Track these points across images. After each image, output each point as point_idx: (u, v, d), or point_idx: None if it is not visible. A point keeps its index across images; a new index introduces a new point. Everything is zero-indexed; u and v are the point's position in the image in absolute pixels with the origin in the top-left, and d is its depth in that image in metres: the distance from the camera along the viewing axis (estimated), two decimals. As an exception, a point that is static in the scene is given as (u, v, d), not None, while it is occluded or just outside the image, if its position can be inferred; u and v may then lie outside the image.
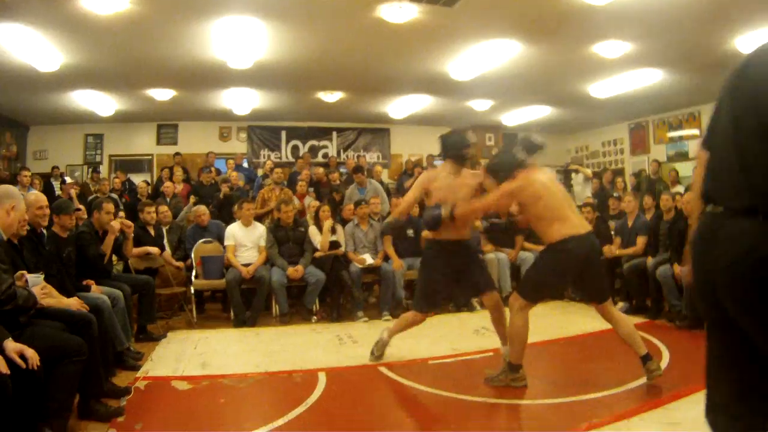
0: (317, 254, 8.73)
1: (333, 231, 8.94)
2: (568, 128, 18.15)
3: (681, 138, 15.50)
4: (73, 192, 10.81)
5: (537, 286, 5.21)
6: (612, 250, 8.97)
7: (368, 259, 8.86)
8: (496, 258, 9.51)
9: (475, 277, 5.67)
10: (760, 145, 2.16)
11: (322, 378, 5.47)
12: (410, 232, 9.25)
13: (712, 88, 10.59)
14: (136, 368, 5.79)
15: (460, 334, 7.45)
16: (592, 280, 5.07)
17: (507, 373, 5.17)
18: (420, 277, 5.96)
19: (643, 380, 5.10)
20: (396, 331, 6.01)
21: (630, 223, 9.09)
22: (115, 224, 6.84)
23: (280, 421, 4.30)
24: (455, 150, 5.65)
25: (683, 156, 15.31)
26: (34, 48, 8.85)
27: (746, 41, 9.05)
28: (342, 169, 14.15)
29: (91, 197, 10.60)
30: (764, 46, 2.30)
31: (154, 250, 8.02)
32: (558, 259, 4.98)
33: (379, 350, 6.07)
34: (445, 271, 5.66)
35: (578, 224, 4.97)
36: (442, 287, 5.91)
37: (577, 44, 9.60)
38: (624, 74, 11.39)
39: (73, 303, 4.72)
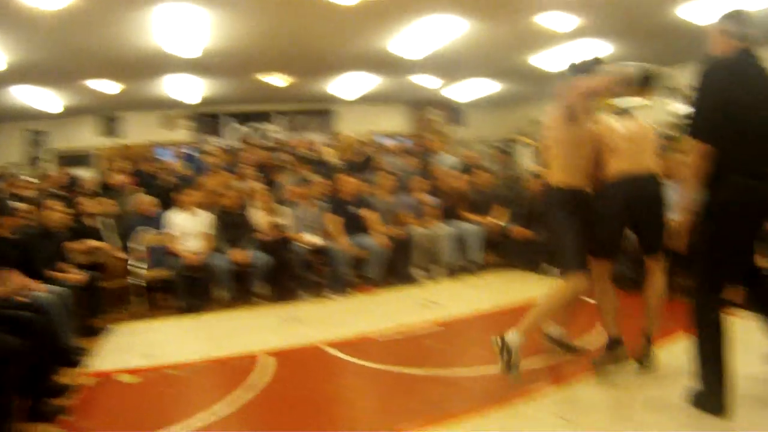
0: (262, 237, 8.76)
1: (278, 213, 8.96)
2: (518, 101, 18.17)
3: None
4: (16, 190, 10.69)
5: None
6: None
7: (313, 239, 8.88)
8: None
9: None
10: None
11: (269, 360, 5.55)
12: (356, 210, 9.34)
13: (657, 56, 10.86)
14: (83, 364, 5.77)
15: (404, 309, 7.52)
16: None
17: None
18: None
19: (583, 344, 5.33)
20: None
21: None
22: (81, 278, 6.83)
23: (226, 407, 4.37)
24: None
25: (630, 123, 15.45)
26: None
27: (687, 10, 9.26)
28: (290, 151, 14.13)
29: (35, 195, 10.48)
30: None
31: (97, 243, 7.95)
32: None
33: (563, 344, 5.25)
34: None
35: None
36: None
37: (522, 17, 9.59)
38: (570, 45, 11.40)
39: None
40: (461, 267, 9.78)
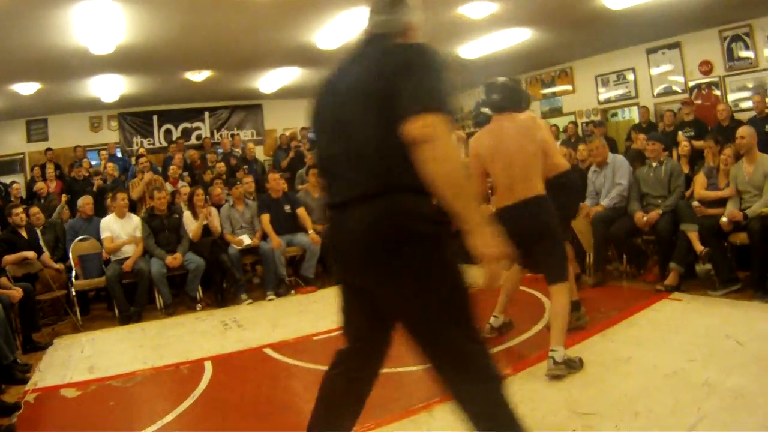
0: (193, 239, 8.79)
1: (209, 214, 9.01)
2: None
3: (554, 94, 16.09)
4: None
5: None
6: (489, 208, 9.30)
7: (246, 240, 8.97)
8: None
9: None
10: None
11: (209, 367, 5.65)
12: (287, 208, 9.40)
13: (582, 44, 11.09)
14: (25, 381, 5.77)
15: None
16: None
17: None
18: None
19: (526, 335, 5.62)
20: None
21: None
22: (17, 294, 6.75)
23: (169, 417, 4.45)
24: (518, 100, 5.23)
25: (557, 111, 16.03)
26: None
27: None
28: (219, 150, 14.10)
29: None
30: None
31: (30, 254, 7.83)
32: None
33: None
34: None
35: None
36: None
37: (443, 6, 9.67)
38: (492, 34, 11.61)
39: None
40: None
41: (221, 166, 11.74)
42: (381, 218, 2.41)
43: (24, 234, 8.12)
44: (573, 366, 4.58)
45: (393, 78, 2.42)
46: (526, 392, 4.25)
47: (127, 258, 8.36)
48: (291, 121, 16.49)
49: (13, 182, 11.95)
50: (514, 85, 5.19)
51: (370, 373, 2.95)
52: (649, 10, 10.01)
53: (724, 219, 6.52)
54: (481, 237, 2.30)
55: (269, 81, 14.56)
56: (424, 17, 2.99)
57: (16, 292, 6.72)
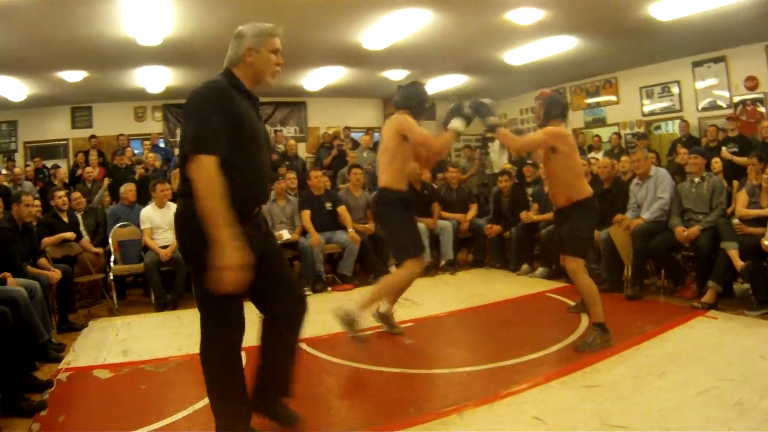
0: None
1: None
2: (485, 96, 18.08)
3: (598, 104, 15.92)
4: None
5: (586, 242, 5.72)
6: (529, 215, 9.29)
7: (285, 235, 8.94)
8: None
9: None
10: None
11: (243, 357, 5.60)
12: (328, 205, 9.40)
13: (627, 54, 11.03)
14: (59, 360, 5.81)
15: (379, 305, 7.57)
16: None
17: (600, 335, 5.33)
18: (398, 227, 5.89)
19: (561, 344, 5.47)
20: (394, 295, 6.16)
21: (546, 189, 9.19)
22: (55, 275, 6.82)
23: (200, 403, 4.39)
24: (416, 102, 5.89)
25: (601, 122, 15.84)
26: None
27: (660, 8, 9.36)
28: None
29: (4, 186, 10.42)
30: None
31: (70, 235, 7.95)
32: (593, 215, 5.57)
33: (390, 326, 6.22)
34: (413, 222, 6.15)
35: None
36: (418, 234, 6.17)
37: (490, 11, 9.66)
38: (539, 41, 11.54)
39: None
40: (435, 265, 9.87)
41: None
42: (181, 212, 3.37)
43: (65, 218, 8.21)
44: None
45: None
46: (559, 402, 4.18)
47: (166, 246, 8.37)
48: (334, 119, 16.61)
49: (56, 166, 12.09)
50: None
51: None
52: (696, 22, 9.91)
53: (766, 242, 6.34)
54: (222, 249, 3.01)
55: (314, 79, 14.61)
56: (262, 41, 3.51)
57: (56, 274, 6.77)
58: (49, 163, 13.21)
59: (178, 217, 3.40)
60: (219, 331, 3.53)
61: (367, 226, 9.48)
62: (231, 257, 3.04)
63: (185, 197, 3.25)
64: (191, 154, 3.10)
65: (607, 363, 4.90)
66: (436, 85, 15.69)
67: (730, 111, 12.21)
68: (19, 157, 14.62)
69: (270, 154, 4.15)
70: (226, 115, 3.19)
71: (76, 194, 8.92)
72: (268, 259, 3.63)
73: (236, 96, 3.33)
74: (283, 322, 3.87)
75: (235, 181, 3.18)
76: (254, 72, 3.50)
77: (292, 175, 9.95)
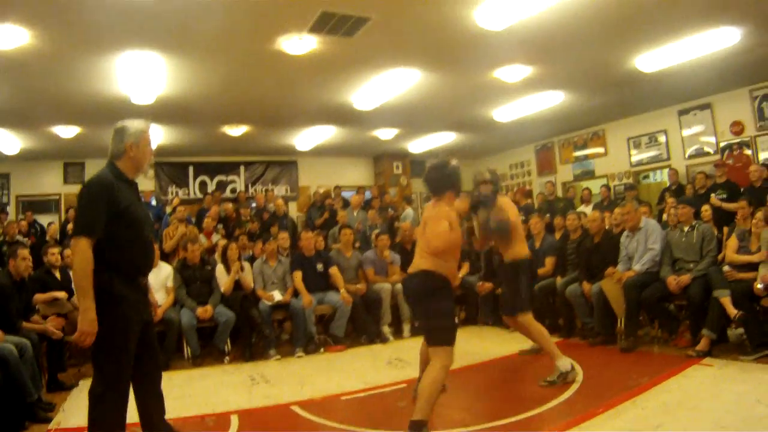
0: (225, 292, 8.76)
1: (241, 269, 8.98)
2: (474, 153, 18.61)
3: (586, 157, 16.21)
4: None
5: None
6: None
7: (277, 296, 8.92)
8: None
9: None
10: None
11: (235, 420, 5.54)
12: (320, 266, 9.38)
13: (614, 106, 11.28)
14: (48, 420, 5.70)
15: (372, 367, 7.56)
16: None
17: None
18: (516, 283, 6.52)
19: (557, 401, 5.42)
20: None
21: (537, 245, 9.39)
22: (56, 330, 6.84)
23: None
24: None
25: (590, 174, 16.12)
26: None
27: (645, 60, 9.61)
28: (252, 204, 14.23)
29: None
30: None
31: (61, 294, 7.80)
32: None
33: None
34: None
35: None
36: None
37: (478, 70, 9.87)
38: (526, 97, 11.78)
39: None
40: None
41: (254, 226, 11.85)
42: None
43: (57, 275, 8.12)
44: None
45: None
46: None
47: (155, 305, 8.28)
48: (325, 178, 16.76)
49: (51, 223, 12.07)
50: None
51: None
52: (681, 71, 10.17)
53: (759, 286, 6.44)
54: (84, 316, 3.57)
55: (305, 138, 14.82)
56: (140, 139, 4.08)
57: (57, 331, 6.78)
58: (40, 218, 13.18)
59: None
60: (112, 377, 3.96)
61: (358, 286, 9.45)
62: (90, 325, 3.60)
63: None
64: (73, 236, 3.73)
65: (603, 417, 4.88)
66: (425, 143, 15.90)
67: (717, 157, 12.48)
68: (10, 211, 14.50)
69: (152, 230, 4.68)
70: (110, 204, 3.78)
71: (69, 251, 8.84)
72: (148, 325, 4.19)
73: (120, 186, 3.92)
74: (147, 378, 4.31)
75: (123, 256, 3.83)
76: (135, 164, 4.11)
77: (284, 235, 9.91)
